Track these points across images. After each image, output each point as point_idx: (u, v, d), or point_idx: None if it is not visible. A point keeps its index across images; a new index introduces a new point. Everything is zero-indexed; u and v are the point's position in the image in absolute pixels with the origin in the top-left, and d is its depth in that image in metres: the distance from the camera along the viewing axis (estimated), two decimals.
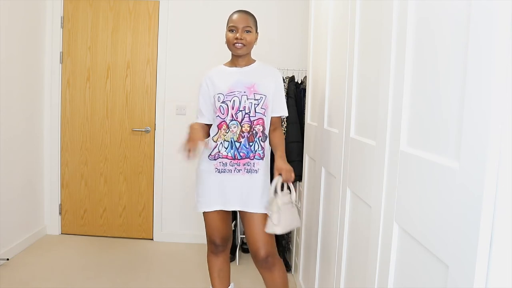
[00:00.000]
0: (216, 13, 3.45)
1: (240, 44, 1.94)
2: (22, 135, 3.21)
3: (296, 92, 3.02)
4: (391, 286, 1.09)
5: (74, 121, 3.55)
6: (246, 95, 1.96)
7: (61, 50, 3.49)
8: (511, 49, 0.64)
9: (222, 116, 1.97)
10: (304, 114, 2.84)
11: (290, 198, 1.94)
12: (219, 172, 1.98)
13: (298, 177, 2.88)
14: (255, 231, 1.96)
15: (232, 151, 1.96)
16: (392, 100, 1.11)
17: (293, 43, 3.40)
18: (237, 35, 1.93)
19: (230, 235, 2.14)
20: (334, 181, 1.78)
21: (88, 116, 3.54)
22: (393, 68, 1.11)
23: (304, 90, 2.96)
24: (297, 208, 1.98)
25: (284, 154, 2.02)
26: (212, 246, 2.11)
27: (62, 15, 3.47)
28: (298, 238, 2.75)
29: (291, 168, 1.96)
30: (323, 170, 2.03)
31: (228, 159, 1.96)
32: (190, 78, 3.49)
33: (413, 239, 0.96)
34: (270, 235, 1.97)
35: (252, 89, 1.97)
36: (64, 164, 3.58)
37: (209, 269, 2.18)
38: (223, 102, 1.97)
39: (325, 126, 2.02)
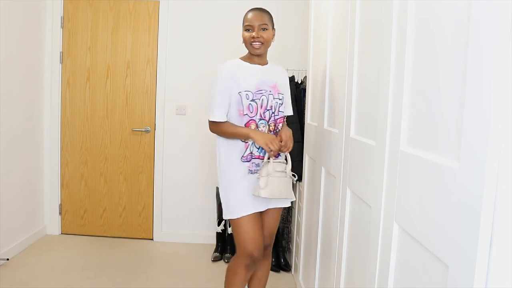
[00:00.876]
0: (216, 13, 3.45)
1: (257, 43, 1.92)
2: (22, 135, 3.21)
3: (296, 92, 3.02)
4: (391, 286, 1.09)
5: (74, 121, 3.55)
6: (273, 94, 1.97)
7: (61, 50, 3.49)
8: (511, 49, 0.64)
9: (251, 115, 1.93)
10: (304, 114, 2.84)
11: (285, 168, 1.93)
12: (251, 173, 1.95)
13: (298, 177, 2.88)
14: (267, 224, 2.05)
15: (263, 150, 1.95)
16: (392, 100, 1.11)
17: (293, 43, 3.40)
18: (254, 34, 1.91)
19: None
20: (334, 181, 1.78)
21: (88, 116, 3.54)
22: (393, 68, 1.11)
23: (304, 90, 2.96)
24: (292, 181, 1.98)
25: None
26: (248, 260, 1.94)
27: (62, 15, 3.47)
28: (298, 238, 2.75)
29: (291, 136, 1.97)
30: (323, 170, 2.03)
31: (260, 159, 1.96)
32: (190, 78, 3.49)
33: (413, 239, 0.96)
34: (276, 228, 2.11)
35: (275, 89, 1.99)
36: (64, 164, 3.58)
37: (233, 279, 2.00)
38: (252, 100, 1.93)
39: (325, 126, 2.02)
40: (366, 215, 1.31)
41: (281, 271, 3.02)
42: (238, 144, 1.94)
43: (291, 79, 3.09)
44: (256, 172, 1.94)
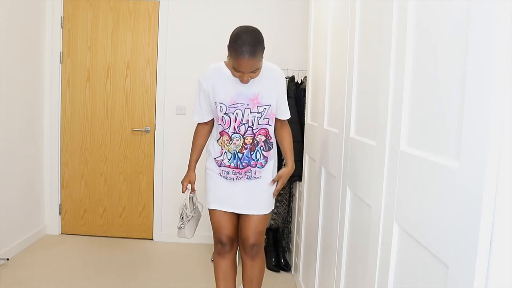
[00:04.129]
0: (216, 13, 3.45)
1: (246, 83, 1.85)
2: (22, 135, 3.21)
3: (296, 92, 3.02)
4: (391, 286, 1.09)
5: (74, 121, 3.55)
6: (250, 108, 1.92)
7: (61, 50, 3.49)
8: (511, 49, 0.64)
9: (225, 127, 1.97)
10: (304, 114, 2.84)
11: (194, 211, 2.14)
12: (222, 176, 2.04)
13: (298, 177, 2.88)
14: (250, 223, 2.05)
15: (234, 161, 1.99)
16: (392, 100, 1.11)
17: (293, 43, 3.40)
18: (244, 78, 1.81)
19: (236, 235, 2.12)
20: (334, 181, 1.78)
21: (88, 116, 3.54)
22: (393, 68, 1.11)
23: (304, 90, 2.96)
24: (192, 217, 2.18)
25: (292, 157, 2.13)
26: (219, 246, 2.10)
27: (62, 15, 3.47)
28: (298, 238, 2.75)
29: (287, 176, 2.10)
30: (323, 170, 2.03)
31: (231, 168, 2.00)
32: (190, 78, 3.47)
33: (413, 239, 0.96)
34: (263, 227, 2.09)
35: (255, 102, 1.92)
36: (64, 164, 3.57)
37: (214, 271, 2.17)
38: (225, 113, 1.94)
39: (325, 126, 2.02)
40: (366, 215, 1.31)
41: (281, 271, 3.02)
42: (217, 146, 2.03)
43: (291, 79, 3.09)
44: (227, 179, 2.02)
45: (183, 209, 2.10)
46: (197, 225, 2.18)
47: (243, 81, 1.83)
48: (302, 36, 3.29)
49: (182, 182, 2.13)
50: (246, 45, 1.71)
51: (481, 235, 0.68)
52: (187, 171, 2.14)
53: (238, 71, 1.80)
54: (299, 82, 3.14)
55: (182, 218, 2.10)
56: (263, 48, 1.80)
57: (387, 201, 1.12)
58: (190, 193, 2.12)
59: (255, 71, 1.82)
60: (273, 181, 2.06)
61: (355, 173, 1.47)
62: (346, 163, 1.59)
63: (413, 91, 1.00)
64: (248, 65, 1.75)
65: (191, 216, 2.11)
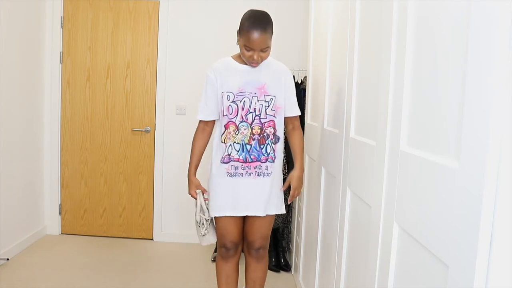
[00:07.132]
0: (216, 13, 3.45)
1: (256, 63, 1.87)
2: (22, 135, 3.21)
3: (296, 92, 3.01)
4: (391, 286, 1.09)
5: (74, 121, 3.55)
6: (257, 96, 1.91)
7: (61, 50, 3.49)
8: (511, 49, 0.64)
9: (231, 116, 1.91)
10: (304, 114, 2.84)
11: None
12: (230, 176, 1.94)
13: None
14: (257, 227, 2.02)
15: (243, 154, 1.92)
16: (392, 100, 1.11)
17: (293, 43, 3.40)
18: (254, 56, 1.83)
19: (241, 240, 2.09)
20: (334, 181, 1.78)
21: (88, 116, 3.54)
22: (393, 68, 1.11)
23: (304, 90, 2.96)
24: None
25: (303, 161, 2.06)
26: (223, 250, 2.07)
27: (62, 15, 3.47)
28: (298, 238, 2.75)
29: (301, 181, 2.03)
30: (323, 170, 2.03)
31: (240, 162, 1.93)
32: (190, 78, 3.49)
33: (413, 239, 0.96)
34: (268, 231, 2.07)
35: (262, 90, 1.91)
36: (64, 164, 3.58)
37: (217, 275, 2.14)
38: (232, 101, 1.90)
39: (325, 126, 2.02)
40: (366, 215, 1.31)
41: (281, 271, 3.02)
42: (220, 145, 1.95)
43: None
44: (235, 176, 1.94)
45: (200, 216, 2.01)
46: (214, 227, 2.10)
47: (253, 60, 1.84)
48: (302, 36, 3.29)
49: (190, 193, 2.04)
50: (258, 22, 1.82)
51: (481, 235, 0.68)
52: (189, 179, 2.04)
53: (249, 50, 1.83)
54: (299, 82, 3.14)
55: (203, 224, 2.02)
56: (273, 29, 1.88)
57: (387, 201, 1.12)
58: (203, 197, 2.03)
59: (265, 50, 1.85)
60: (285, 186, 2.02)
61: (355, 173, 1.47)
62: (346, 163, 1.59)
63: (413, 91, 1.00)
64: (259, 40, 1.80)
65: (210, 219, 2.03)
